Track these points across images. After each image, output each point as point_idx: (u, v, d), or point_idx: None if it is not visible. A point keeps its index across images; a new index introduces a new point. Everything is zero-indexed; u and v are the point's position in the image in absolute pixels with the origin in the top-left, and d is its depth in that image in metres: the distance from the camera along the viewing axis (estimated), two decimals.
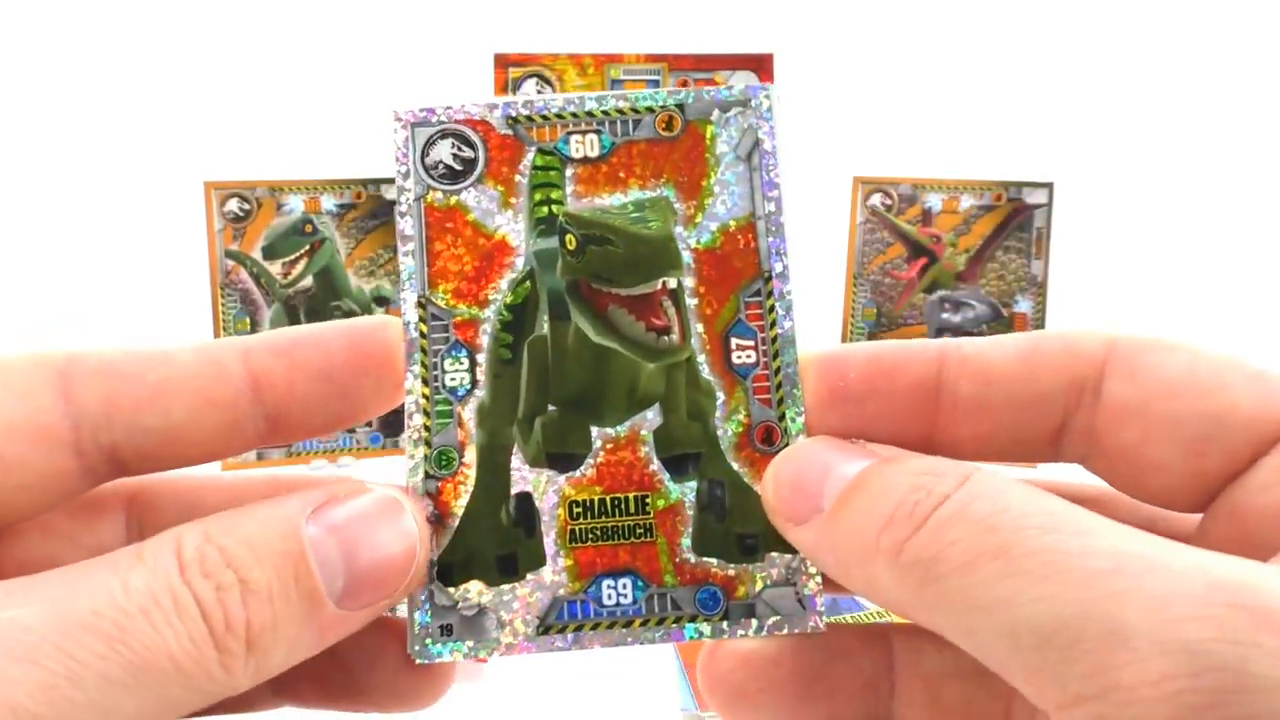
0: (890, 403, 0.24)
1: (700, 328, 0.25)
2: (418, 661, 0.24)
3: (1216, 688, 0.16)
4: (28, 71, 0.99)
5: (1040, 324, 0.90)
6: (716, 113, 0.26)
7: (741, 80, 0.88)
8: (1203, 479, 0.22)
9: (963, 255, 0.90)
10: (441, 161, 0.26)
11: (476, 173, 0.26)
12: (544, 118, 0.26)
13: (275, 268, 0.84)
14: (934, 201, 0.90)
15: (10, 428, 0.22)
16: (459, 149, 0.26)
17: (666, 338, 0.25)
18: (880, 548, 0.20)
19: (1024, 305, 0.91)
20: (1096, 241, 1.01)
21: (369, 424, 0.84)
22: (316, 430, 0.26)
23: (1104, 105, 1.04)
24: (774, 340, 0.25)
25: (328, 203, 0.85)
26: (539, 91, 0.87)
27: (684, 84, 0.88)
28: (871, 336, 0.90)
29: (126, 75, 0.98)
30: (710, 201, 0.26)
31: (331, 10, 1.00)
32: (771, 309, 0.25)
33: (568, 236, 0.25)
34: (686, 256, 0.25)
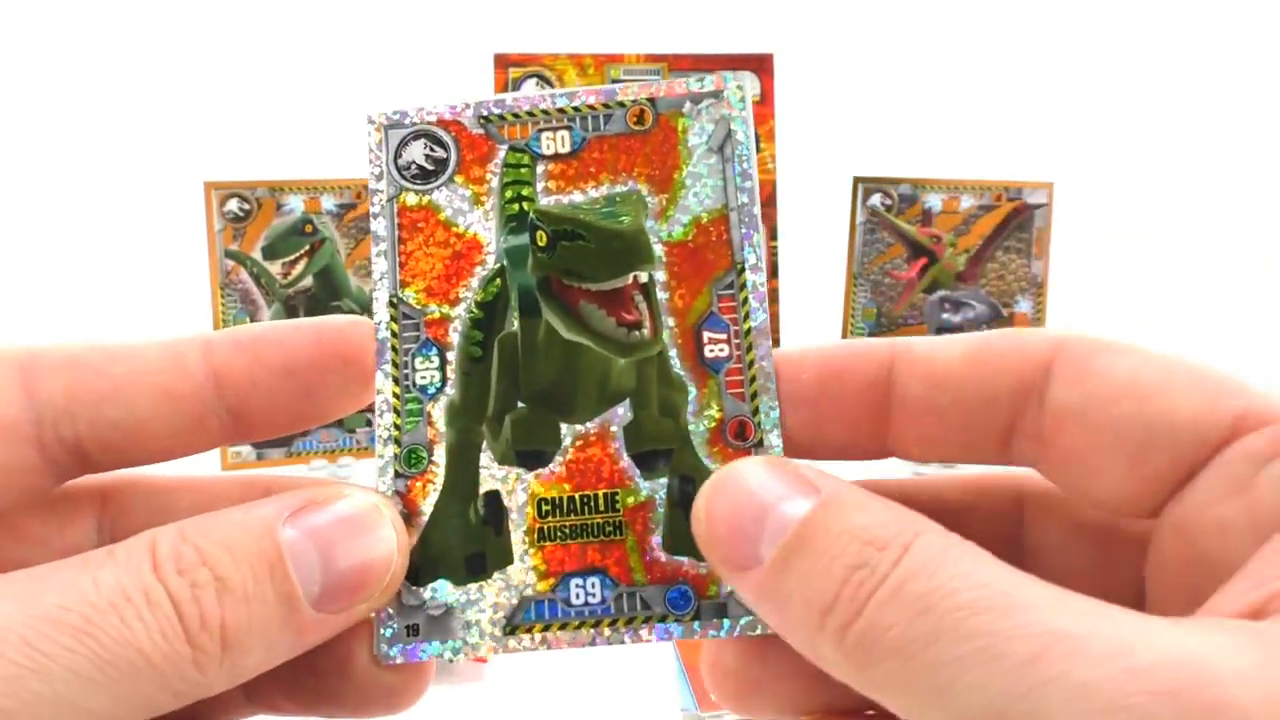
0: (841, 404, 0.24)
1: (672, 322, 0.25)
2: (383, 663, 0.24)
3: None
4: (28, 72, 0.99)
5: (1040, 324, 0.90)
6: (688, 105, 0.26)
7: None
8: (1147, 485, 0.22)
9: (963, 255, 0.90)
10: (414, 162, 0.26)
11: (448, 172, 0.26)
12: (515, 116, 0.26)
13: (275, 268, 0.84)
14: (934, 201, 0.90)
15: None
16: (431, 149, 0.26)
17: (637, 332, 0.25)
18: (825, 629, 0.20)
19: (1024, 305, 0.91)
20: (1096, 241, 1.01)
21: (367, 424, 0.84)
22: (282, 428, 0.25)
23: (1104, 105, 1.04)
24: (747, 333, 0.25)
25: (328, 203, 0.85)
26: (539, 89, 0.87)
27: None
28: (871, 336, 0.90)
29: (127, 75, 0.98)
30: (682, 194, 0.26)
31: (332, 10, 1.00)
32: (745, 301, 0.25)
33: (538, 232, 0.25)
34: (658, 250, 0.25)
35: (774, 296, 0.81)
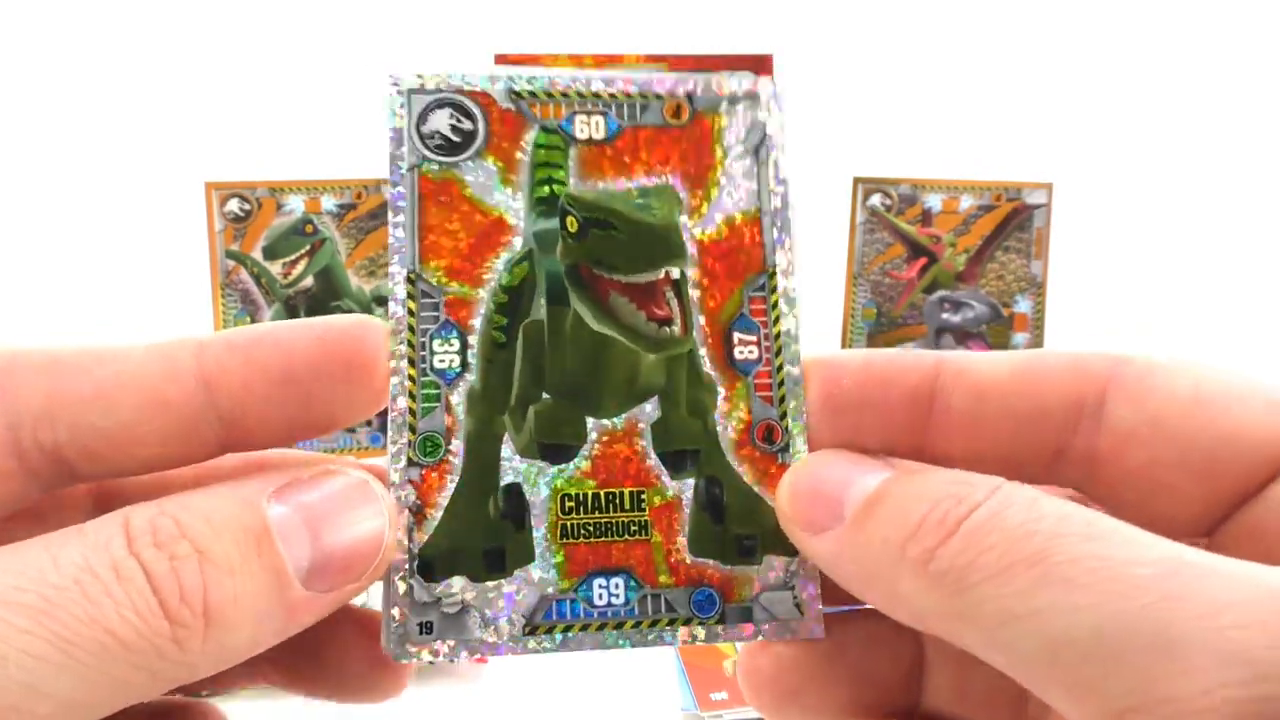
0: (883, 412, 0.23)
1: (702, 320, 0.25)
2: (396, 660, 0.23)
3: (1273, 696, 0.15)
4: (28, 72, 0.99)
5: (1040, 324, 0.90)
6: (725, 104, 0.25)
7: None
8: (1214, 501, 0.21)
9: (962, 255, 0.90)
10: (438, 132, 0.24)
11: (475, 146, 0.24)
12: (548, 95, 0.25)
13: (275, 268, 0.84)
14: (934, 202, 0.90)
15: None
16: (457, 120, 0.25)
17: (668, 329, 0.24)
18: (907, 557, 0.19)
19: (1024, 305, 0.91)
20: (1096, 241, 1.01)
21: (368, 423, 0.84)
22: (279, 438, 0.24)
23: (1104, 105, 1.04)
24: (777, 336, 0.25)
25: (328, 203, 0.85)
26: None
27: None
28: (871, 337, 0.90)
29: (127, 75, 0.98)
30: (716, 193, 0.25)
31: (331, 10, 1.00)
32: (775, 305, 0.25)
33: (569, 218, 0.24)
34: (690, 247, 0.25)
35: None
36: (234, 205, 0.83)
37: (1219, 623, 0.16)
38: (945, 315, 0.91)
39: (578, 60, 0.86)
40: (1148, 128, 1.04)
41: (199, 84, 0.99)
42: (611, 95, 0.25)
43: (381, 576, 0.22)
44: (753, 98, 0.26)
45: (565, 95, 0.25)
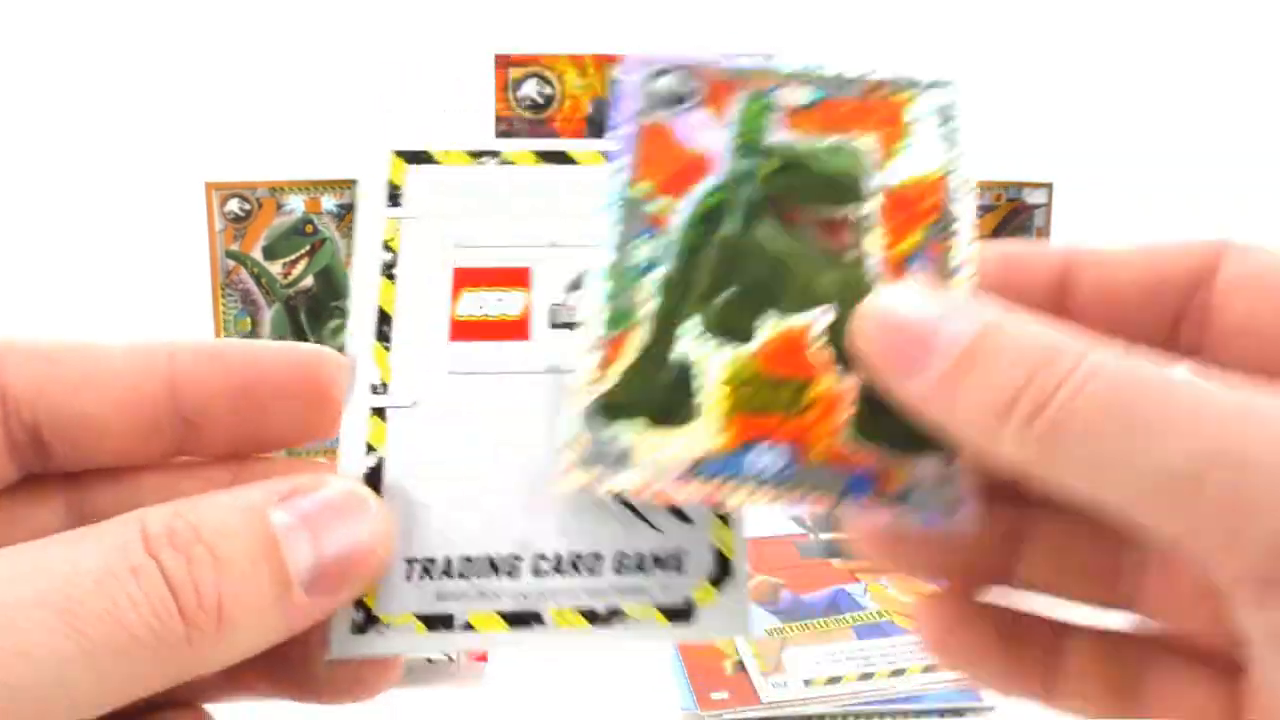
0: (1018, 296, 0.24)
1: (881, 254, 0.26)
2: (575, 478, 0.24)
3: None
4: (28, 72, 0.99)
5: None
6: (918, 87, 0.27)
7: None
8: None
9: None
10: (663, 90, 0.26)
11: (693, 102, 0.26)
12: (762, 72, 0.27)
13: (276, 268, 0.84)
14: None
15: None
16: (681, 84, 0.26)
17: (845, 254, 0.26)
18: (1010, 419, 0.20)
19: None
20: (1096, 241, 1.01)
21: None
22: (234, 445, 0.25)
23: (1104, 105, 1.04)
24: (951, 272, 0.26)
25: (328, 203, 0.85)
26: (539, 91, 0.87)
27: None
28: None
29: (127, 75, 0.99)
30: (903, 154, 0.27)
31: (331, 10, 1.00)
32: (951, 249, 0.26)
33: (769, 160, 0.26)
34: (877, 197, 0.26)
35: None
36: (234, 205, 0.83)
37: None
38: None
39: (578, 60, 0.86)
40: (1148, 128, 1.04)
41: (199, 84, 0.99)
42: (820, 76, 0.27)
43: (377, 583, 0.23)
44: (940, 85, 0.27)
45: (776, 72, 0.27)
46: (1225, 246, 0.25)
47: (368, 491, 0.23)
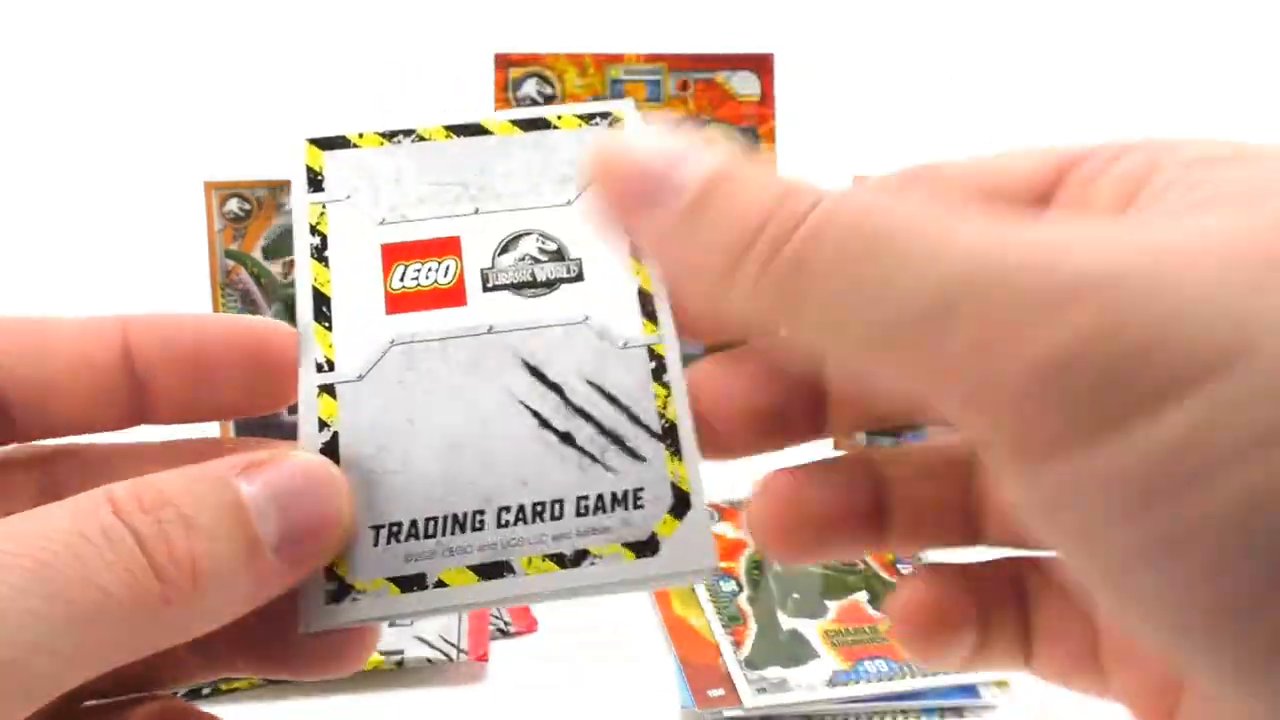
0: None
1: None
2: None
3: (1093, 301, 0.15)
4: (28, 71, 0.99)
5: None
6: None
7: (741, 82, 0.88)
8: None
9: None
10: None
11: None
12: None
13: (275, 268, 0.84)
14: None
15: None
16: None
17: None
18: (750, 255, 0.19)
19: None
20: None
21: None
22: (186, 413, 0.26)
23: (1104, 105, 1.04)
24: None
25: None
26: (539, 91, 0.87)
27: (684, 85, 0.88)
28: None
29: (127, 75, 0.98)
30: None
31: (331, 10, 1.00)
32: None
33: None
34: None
35: None
36: (234, 205, 0.83)
37: (1042, 254, 0.16)
38: None
39: (578, 60, 0.86)
40: (1148, 127, 1.04)
41: (198, 84, 0.99)
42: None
43: (339, 551, 0.24)
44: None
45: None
46: (1070, 163, 0.23)
47: (326, 460, 0.24)
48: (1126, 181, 0.20)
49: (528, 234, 0.27)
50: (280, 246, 0.84)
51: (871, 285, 0.17)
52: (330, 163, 0.28)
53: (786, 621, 0.46)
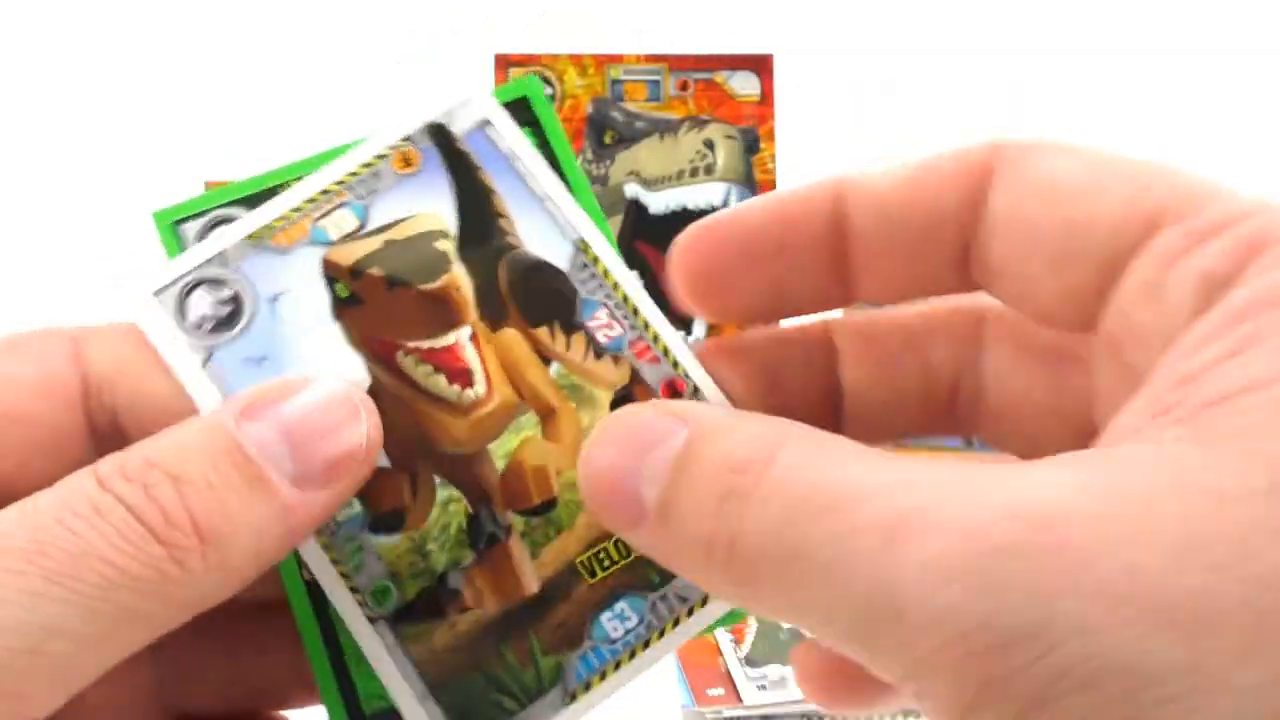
0: (801, 256, 0.23)
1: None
2: None
3: (981, 650, 0.15)
4: (27, 71, 0.99)
5: None
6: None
7: (741, 82, 0.88)
8: (1072, 294, 0.20)
9: None
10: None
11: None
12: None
13: None
14: None
15: (26, 385, 0.22)
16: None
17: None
18: (712, 564, 0.19)
19: None
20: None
21: None
22: None
23: (1104, 105, 1.04)
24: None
25: None
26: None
27: (684, 85, 0.88)
28: None
29: (126, 75, 0.99)
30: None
31: (331, 10, 1.00)
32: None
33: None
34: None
35: None
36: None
37: (933, 580, 0.16)
38: None
39: (578, 60, 0.86)
40: (1148, 127, 1.04)
41: (198, 83, 0.99)
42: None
43: (371, 468, 0.22)
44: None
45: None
46: (996, 161, 0.21)
47: (335, 379, 0.22)
48: (1212, 281, 0.17)
49: None
50: None
51: (807, 603, 0.18)
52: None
53: None
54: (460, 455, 0.24)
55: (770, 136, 0.87)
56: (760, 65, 0.87)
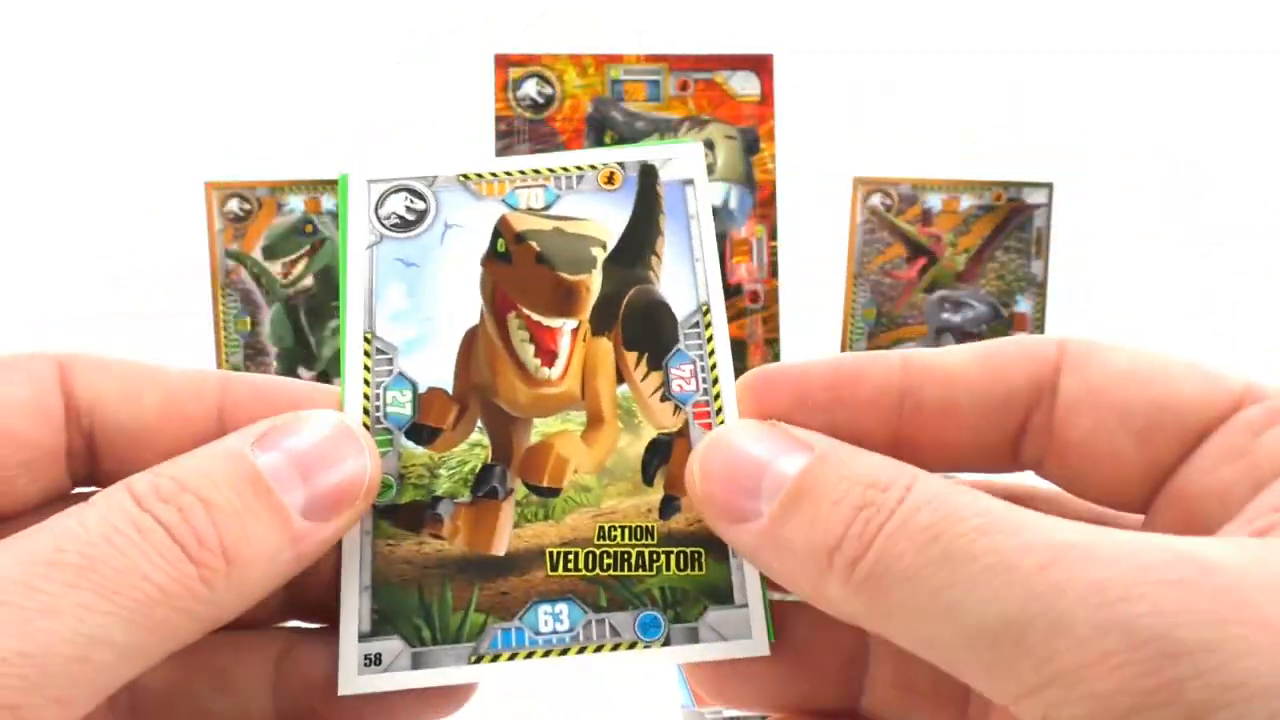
0: (855, 411, 0.24)
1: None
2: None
3: (1153, 656, 0.17)
4: (27, 71, 0.99)
5: (1040, 324, 0.90)
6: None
7: (741, 82, 0.88)
8: (1153, 466, 0.23)
9: (963, 255, 0.90)
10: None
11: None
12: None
13: (276, 268, 0.84)
14: (934, 201, 0.90)
15: (18, 404, 0.23)
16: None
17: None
18: (833, 567, 0.20)
19: (1024, 305, 0.91)
20: (1096, 241, 1.01)
21: None
22: None
23: (1104, 105, 1.04)
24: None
25: (328, 203, 0.85)
26: (539, 91, 0.87)
27: (684, 85, 0.88)
28: (871, 336, 0.90)
29: (127, 75, 0.99)
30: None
31: (331, 10, 1.00)
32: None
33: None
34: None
35: (774, 296, 0.81)
36: (234, 205, 0.83)
37: (1102, 599, 0.17)
38: (945, 315, 0.91)
39: (577, 60, 0.86)
40: (1148, 128, 1.04)
41: (199, 83, 0.99)
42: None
43: (371, 502, 0.24)
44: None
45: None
46: (1063, 352, 0.24)
47: (346, 418, 0.24)
48: None
49: None
50: (280, 246, 0.84)
51: (945, 604, 0.19)
52: None
53: None
54: (508, 415, 0.27)
55: (770, 136, 0.87)
56: (760, 65, 0.87)
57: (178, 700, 0.25)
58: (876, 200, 0.90)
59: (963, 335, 0.90)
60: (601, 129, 0.87)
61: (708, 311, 0.27)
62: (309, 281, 0.85)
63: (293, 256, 0.84)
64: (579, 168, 0.28)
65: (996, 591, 0.18)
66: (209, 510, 0.21)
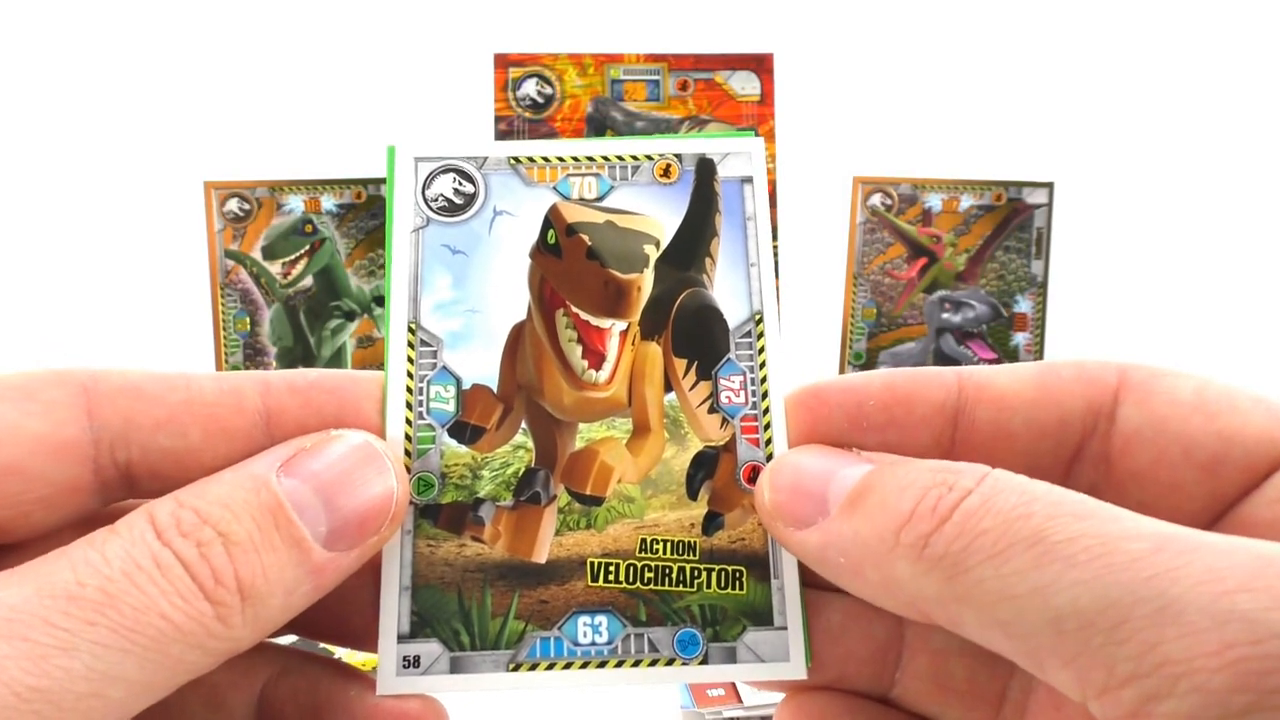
0: (908, 431, 0.24)
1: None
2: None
3: (1278, 653, 0.16)
4: (28, 71, 0.99)
5: (1040, 324, 0.90)
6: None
7: (741, 82, 0.88)
8: (1216, 498, 0.22)
9: (963, 255, 0.90)
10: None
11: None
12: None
13: (275, 268, 0.84)
14: (934, 201, 0.90)
15: (34, 440, 0.22)
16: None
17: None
18: (901, 543, 0.20)
19: (1024, 305, 0.90)
20: (1096, 241, 1.01)
21: None
22: None
23: (1104, 105, 1.04)
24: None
25: (328, 203, 0.85)
26: (539, 91, 0.87)
27: (684, 85, 0.88)
28: (871, 336, 0.90)
29: (127, 75, 0.99)
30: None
31: (331, 10, 1.00)
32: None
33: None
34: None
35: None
36: (234, 205, 0.83)
37: (1220, 588, 0.16)
38: (945, 315, 0.91)
39: (578, 60, 0.86)
40: (1149, 127, 1.04)
41: (198, 84, 0.99)
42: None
43: (397, 529, 0.24)
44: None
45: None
46: (1123, 380, 0.23)
47: (374, 440, 0.23)
48: None
49: None
50: (279, 247, 0.84)
51: (1032, 584, 0.18)
52: None
53: None
54: (553, 417, 0.26)
55: (770, 136, 0.87)
56: (760, 65, 0.87)
57: (168, 716, 0.25)
58: (877, 200, 0.90)
59: (963, 335, 0.90)
60: (601, 129, 0.87)
61: (760, 321, 0.26)
62: (308, 281, 0.84)
63: (292, 256, 0.84)
64: (634, 157, 0.27)
65: (1097, 574, 0.17)
66: (228, 546, 0.20)
